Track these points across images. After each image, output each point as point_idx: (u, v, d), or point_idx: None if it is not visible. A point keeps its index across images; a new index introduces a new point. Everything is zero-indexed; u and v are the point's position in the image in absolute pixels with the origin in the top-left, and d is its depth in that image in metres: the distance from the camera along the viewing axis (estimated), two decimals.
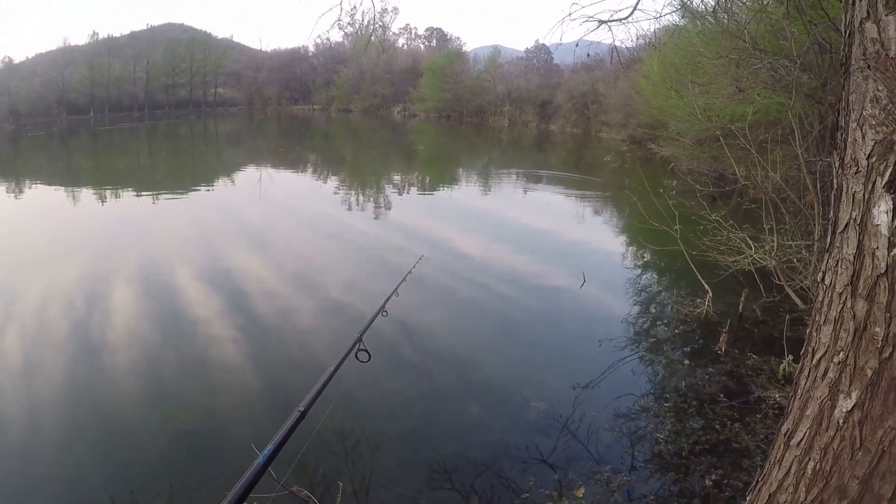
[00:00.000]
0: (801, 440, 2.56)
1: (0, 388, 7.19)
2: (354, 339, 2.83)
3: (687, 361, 6.99)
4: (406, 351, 7.71)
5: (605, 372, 6.74)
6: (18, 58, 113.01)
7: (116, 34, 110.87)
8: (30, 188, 27.72)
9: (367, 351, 2.75)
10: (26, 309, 9.85)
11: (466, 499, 4.74)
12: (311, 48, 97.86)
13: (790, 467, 2.61)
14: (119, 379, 7.33)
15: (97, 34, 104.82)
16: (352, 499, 4.68)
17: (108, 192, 24.53)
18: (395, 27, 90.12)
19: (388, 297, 4.60)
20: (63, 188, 26.83)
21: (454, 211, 17.24)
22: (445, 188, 21.89)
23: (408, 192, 21.08)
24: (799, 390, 2.66)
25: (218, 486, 4.87)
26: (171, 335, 8.58)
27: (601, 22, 8.53)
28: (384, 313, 4.32)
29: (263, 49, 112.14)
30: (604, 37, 45.02)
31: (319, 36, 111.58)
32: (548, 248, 12.89)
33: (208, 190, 24.65)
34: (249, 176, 27.44)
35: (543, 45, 73.82)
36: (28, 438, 6.08)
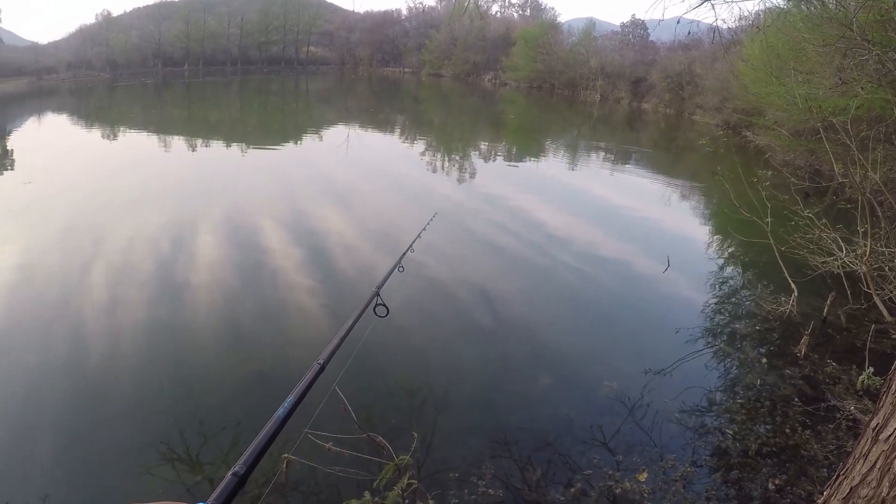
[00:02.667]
0: (890, 435, 2.53)
1: (84, 320, 7.56)
2: (371, 294, 2.87)
3: (764, 360, 6.76)
4: (482, 317, 7.76)
5: (679, 361, 6.65)
6: (116, 11, 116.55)
7: None
8: (124, 134, 28.79)
9: (384, 305, 2.77)
10: (115, 247, 10.30)
11: (528, 470, 4.76)
12: (404, 11, 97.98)
13: (876, 462, 2.58)
14: (198, 319, 7.65)
15: None
16: (418, 452, 4.75)
17: (198, 142, 25.24)
18: None
19: (404, 253, 4.70)
20: (156, 136, 27.71)
21: (538, 182, 17.07)
22: (532, 159, 21.72)
23: (493, 161, 21.01)
24: (893, 386, 2.64)
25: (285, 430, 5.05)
26: (250, 281, 8.89)
27: None
28: (401, 268, 4.41)
29: (356, 10, 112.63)
30: (705, 15, 43.80)
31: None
32: (632, 228, 12.67)
33: (296, 145, 25.19)
34: (337, 134, 27.85)
35: (640, 20, 72.08)
36: (107, 369, 6.41)
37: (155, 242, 10.64)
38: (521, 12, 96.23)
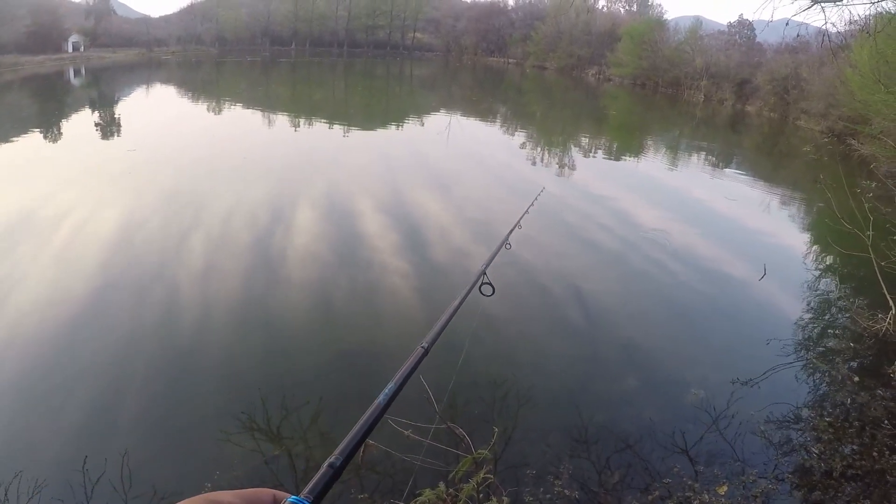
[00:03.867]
0: None
1: (178, 286, 8.00)
2: (478, 273, 2.75)
3: (855, 378, 6.52)
4: (573, 312, 7.81)
5: (768, 372, 6.51)
6: None
7: None
8: (229, 108, 29.99)
9: (490, 284, 2.72)
10: (213, 217, 10.87)
11: (606, 473, 4.80)
12: (511, 2, 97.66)
13: None
14: (291, 293, 7.99)
15: None
16: (496, 446, 4.80)
17: (301, 120, 26.13)
18: None
19: (510, 233, 4.43)
20: (260, 111, 28.88)
21: (637, 180, 17.01)
22: (632, 157, 21.61)
23: (594, 156, 21.00)
24: None
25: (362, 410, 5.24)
26: (345, 259, 9.19)
27: (814, 1, 8.34)
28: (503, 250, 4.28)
29: None
30: (814, 18, 42.30)
31: None
32: (730, 233, 12.53)
33: (398, 128, 25.69)
34: (439, 120, 28.11)
35: (747, 20, 70.05)
36: (196, 335, 6.79)
37: (253, 214, 11.11)
38: (627, 7, 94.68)
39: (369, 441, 3.74)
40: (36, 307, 7.44)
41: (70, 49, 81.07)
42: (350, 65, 74.40)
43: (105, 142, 21.12)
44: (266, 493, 0.77)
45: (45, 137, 21.38)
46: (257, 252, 9.29)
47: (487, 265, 2.89)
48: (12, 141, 19.68)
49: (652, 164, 19.58)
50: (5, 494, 4.28)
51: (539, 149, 21.69)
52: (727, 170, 20.31)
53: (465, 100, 40.36)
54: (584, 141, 24.61)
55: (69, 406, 5.48)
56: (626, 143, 25.31)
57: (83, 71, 62.55)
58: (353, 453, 1.03)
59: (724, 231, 12.66)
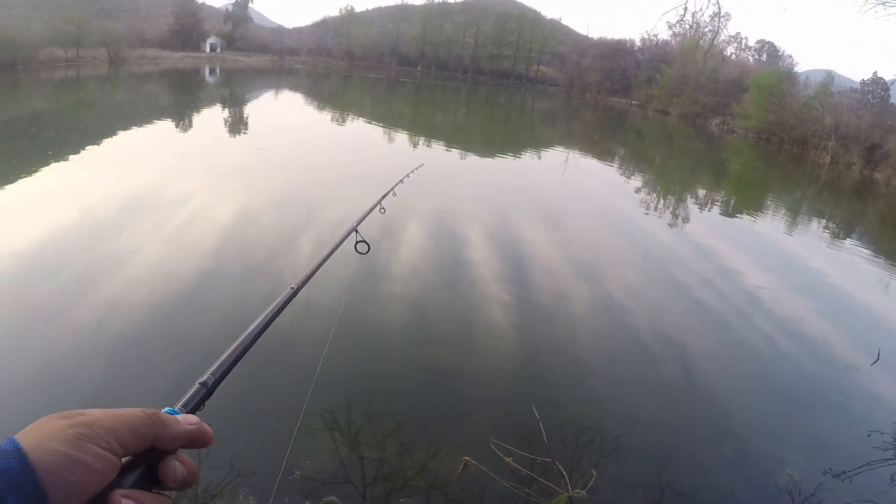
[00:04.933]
0: None
1: (284, 282, 8.27)
2: (349, 230, 2.85)
3: None
4: (671, 370, 7.69)
5: (863, 467, 6.08)
6: (359, 8, 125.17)
7: (451, 0, 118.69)
8: (352, 121, 31.26)
9: (365, 242, 2.81)
10: (324, 220, 11.53)
11: None
12: (637, 42, 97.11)
13: None
14: (391, 304, 8.32)
15: None
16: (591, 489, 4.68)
17: (420, 140, 26.92)
18: (724, 34, 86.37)
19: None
20: (381, 127, 29.83)
21: (751, 240, 16.60)
22: (748, 215, 20.86)
23: (709, 210, 20.56)
24: None
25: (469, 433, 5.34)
26: (448, 280, 9.47)
27: None
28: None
29: (590, 35, 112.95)
30: None
31: (647, 31, 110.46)
32: (843, 309, 11.88)
33: (515, 158, 25.86)
34: (556, 156, 28.22)
35: (881, 79, 67.23)
36: (297, 329, 7.06)
37: (364, 225, 11.56)
38: (756, 57, 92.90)
39: (470, 459, 4.18)
40: (146, 279, 8.06)
41: (208, 49, 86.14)
42: (473, 91, 75.47)
43: (234, 138, 22.43)
44: (137, 409, 0.74)
45: (178, 127, 23.03)
46: (363, 261, 9.42)
47: (359, 223, 2.99)
48: (146, 127, 21.13)
49: (768, 226, 19.10)
50: None
51: (654, 196, 21.46)
52: (847, 241, 19.67)
53: (584, 138, 40.27)
54: (701, 193, 24.17)
55: (164, 373, 5.93)
56: (744, 200, 24.74)
57: (218, 70, 66.02)
58: (224, 377, 1.05)
59: (837, 306, 12.01)
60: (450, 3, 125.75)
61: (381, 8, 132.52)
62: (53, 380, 5.66)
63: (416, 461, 5.09)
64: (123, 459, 0.67)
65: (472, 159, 23.62)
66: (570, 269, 11.18)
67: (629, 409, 6.55)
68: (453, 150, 25.62)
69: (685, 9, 8.25)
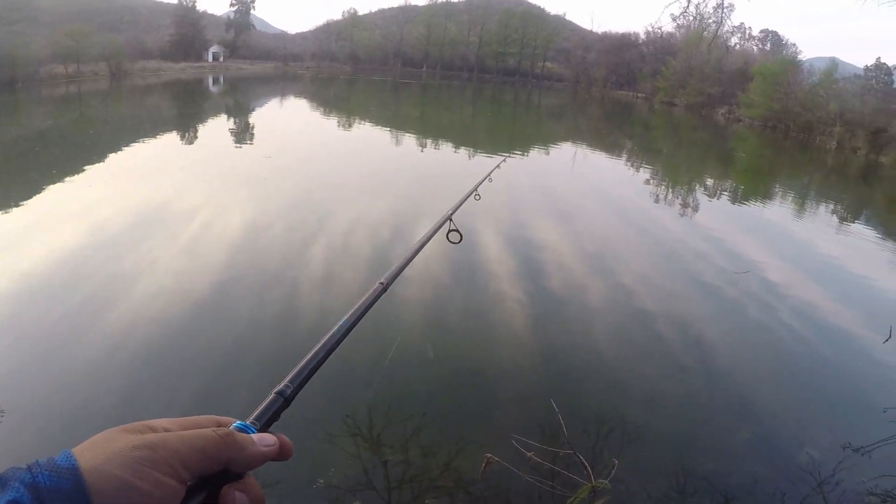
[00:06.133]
0: None
1: (298, 289, 8.61)
2: (444, 218, 2.77)
3: None
4: (687, 356, 7.78)
5: (881, 443, 6.14)
6: (362, 10, 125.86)
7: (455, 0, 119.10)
8: (359, 125, 31.67)
9: (458, 231, 2.76)
10: (336, 229, 11.60)
11: None
12: (642, 35, 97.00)
13: None
14: (407, 306, 8.35)
15: None
16: (613, 479, 4.82)
17: (428, 141, 27.19)
18: (728, 24, 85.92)
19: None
20: (388, 130, 30.21)
21: (761, 228, 16.71)
22: (757, 202, 21.19)
23: (718, 198, 20.73)
24: None
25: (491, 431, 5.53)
26: (462, 279, 9.58)
27: None
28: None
29: (594, 30, 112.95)
30: None
31: (651, 24, 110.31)
32: (854, 291, 11.90)
33: (522, 155, 25.92)
34: (564, 150, 28.37)
35: (884, 64, 67.15)
36: (311, 335, 7.12)
37: (375, 229, 11.75)
38: (760, 46, 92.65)
39: (492, 456, 4.34)
40: (161, 293, 8.17)
41: (210, 58, 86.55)
42: (479, 90, 75.42)
43: (241, 147, 22.70)
44: (208, 419, 0.74)
45: (183, 139, 23.56)
46: (376, 265, 9.77)
47: (454, 211, 2.93)
48: (152, 140, 21.58)
49: (777, 212, 19.10)
50: None
51: (663, 187, 21.56)
52: (855, 224, 19.75)
53: (592, 132, 40.36)
54: (710, 182, 24.30)
55: (185, 387, 6.05)
56: (753, 187, 24.76)
57: (221, 80, 66.34)
58: (303, 384, 0.94)
59: (849, 289, 12.07)
60: (453, 3, 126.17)
61: (384, 10, 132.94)
62: (83, 390, 5.87)
63: (440, 462, 5.15)
64: (189, 483, 0.64)
65: (481, 159, 23.73)
66: (583, 262, 11.30)
67: (648, 398, 6.63)
68: (461, 149, 25.89)
69: (688, 0, 8.40)
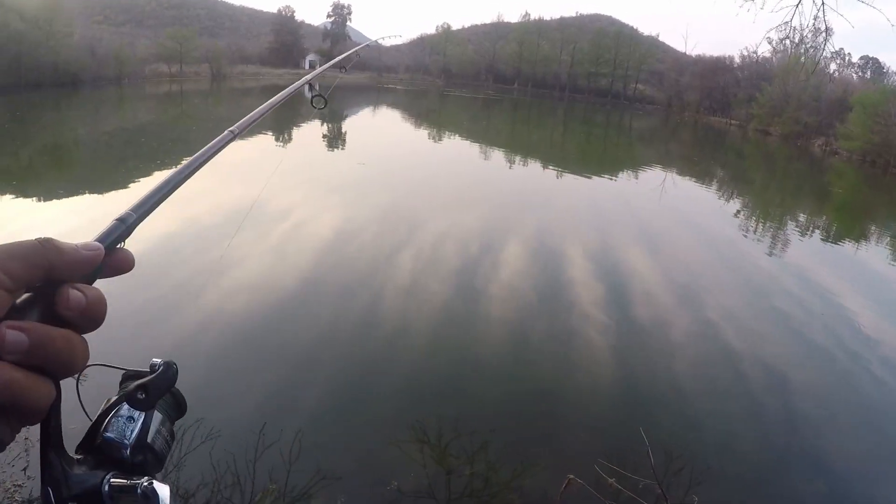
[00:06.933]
0: None
1: (383, 295, 9.03)
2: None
3: None
4: (770, 399, 7.72)
5: None
6: (455, 25, 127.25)
7: (547, 17, 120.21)
8: (450, 138, 32.83)
9: (322, 97, 2.67)
10: (425, 239, 12.02)
11: None
12: (737, 59, 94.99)
13: None
14: (487, 322, 8.64)
15: (529, 14, 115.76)
16: None
17: (516, 158, 27.66)
18: (827, 51, 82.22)
19: None
20: (478, 145, 30.84)
21: (854, 269, 16.19)
22: (851, 242, 20.47)
23: (810, 235, 20.15)
24: None
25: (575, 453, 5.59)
26: (546, 300, 9.72)
27: None
28: None
29: (688, 52, 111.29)
30: None
31: (746, 48, 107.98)
32: None
33: (611, 179, 25.98)
34: (654, 176, 28.04)
35: None
36: (391, 341, 7.66)
37: (463, 241, 12.07)
38: (860, 74, 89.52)
39: (574, 478, 4.53)
40: (247, 288, 8.64)
41: (307, 66, 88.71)
42: (570, 109, 75.39)
43: (334, 153, 23.73)
44: (26, 240, 0.61)
45: (279, 141, 24.72)
46: (462, 278, 10.07)
47: (316, 75, 2.74)
48: (249, 140, 22.58)
49: (873, 254, 18.37)
50: (182, 433, 4.88)
51: (753, 220, 21.26)
52: None
53: (683, 158, 39.85)
54: (802, 218, 23.74)
55: (260, 379, 6.40)
56: (848, 226, 24.00)
57: (317, 87, 68.04)
58: (145, 216, 0.87)
59: None
60: (546, 21, 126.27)
61: (477, 26, 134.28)
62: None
63: (504, 478, 5.28)
64: (19, 299, 0.59)
65: (569, 178, 23.99)
66: (669, 293, 11.22)
67: (726, 437, 6.62)
68: (549, 167, 26.16)
69: (791, 27, 8.38)
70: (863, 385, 8.61)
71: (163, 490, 0.69)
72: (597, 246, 13.50)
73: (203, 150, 1.24)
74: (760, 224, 20.88)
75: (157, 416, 0.76)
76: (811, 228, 21.69)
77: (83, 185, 14.35)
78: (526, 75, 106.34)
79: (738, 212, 22.27)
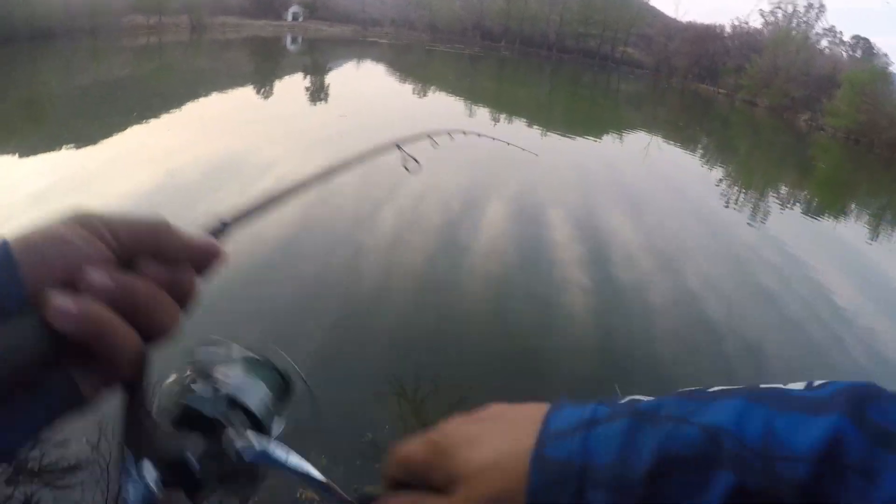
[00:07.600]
0: None
1: (367, 251, 8.83)
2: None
3: None
4: (740, 368, 7.63)
5: None
6: None
7: None
8: (434, 93, 32.22)
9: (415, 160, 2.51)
10: (408, 194, 11.75)
11: None
12: (728, 28, 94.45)
13: None
14: (471, 280, 8.56)
15: None
16: None
17: (502, 117, 27.00)
18: (818, 26, 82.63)
19: None
20: (462, 101, 30.12)
21: (832, 246, 16.07)
22: (831, 216, 20.48)
23: (791, 208, 20.00)
24: None
25: None
26: (527, 261, 9.57)
27: None
28: None
29: (679, 19, 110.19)
30: None
31: (738, 17, 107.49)
32: None
33: (595, 140, 25.69)
34: (638, 139, 27.96)
35: None
36: (377, 297, 7.55)
37: (447, 199, 11.85)
38: (850, 52, 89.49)
39: None
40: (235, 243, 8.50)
41: (290, 18, 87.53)
42: (557, 69, 74.90)
43: (315, 105, 23.09)
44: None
45: (259, 93, 23.94)
46: (446, 235, 9.96)
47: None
48: (229, 92, 21.97)
49: (851, 230, 18.28)
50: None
51: (736, 189, 21.05)
52: None
53: (669, 124, 39.54)
54: (783, 190, 23.52)
55: (244, 332, 6.16)
56: (828, 201, 23.88)
57: (300, 39, 67.23)
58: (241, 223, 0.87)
59: None
60: None
61: None
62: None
63: None
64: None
65: (554, 138, 23.62)
66: (650, 259, 11.11)
67: None
68: (535, 126, 25.77)
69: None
70: (836, 358, 8.72)
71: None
72: (579, 207, 13.35)
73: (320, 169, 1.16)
74: (741, 193, 20.82)
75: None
76: (792, 201, 21.58)
77: (55, 142, 13.69)
78: (513, 33, 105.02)
79: (721, 180, 22.17)
